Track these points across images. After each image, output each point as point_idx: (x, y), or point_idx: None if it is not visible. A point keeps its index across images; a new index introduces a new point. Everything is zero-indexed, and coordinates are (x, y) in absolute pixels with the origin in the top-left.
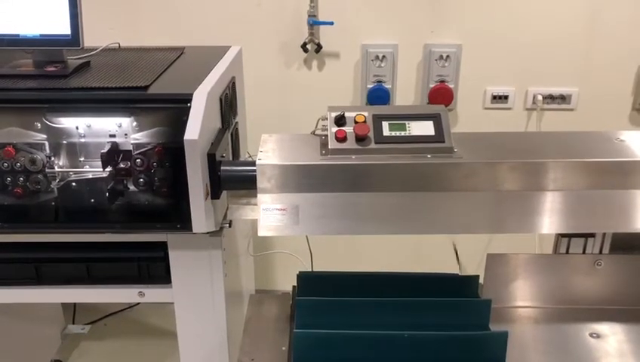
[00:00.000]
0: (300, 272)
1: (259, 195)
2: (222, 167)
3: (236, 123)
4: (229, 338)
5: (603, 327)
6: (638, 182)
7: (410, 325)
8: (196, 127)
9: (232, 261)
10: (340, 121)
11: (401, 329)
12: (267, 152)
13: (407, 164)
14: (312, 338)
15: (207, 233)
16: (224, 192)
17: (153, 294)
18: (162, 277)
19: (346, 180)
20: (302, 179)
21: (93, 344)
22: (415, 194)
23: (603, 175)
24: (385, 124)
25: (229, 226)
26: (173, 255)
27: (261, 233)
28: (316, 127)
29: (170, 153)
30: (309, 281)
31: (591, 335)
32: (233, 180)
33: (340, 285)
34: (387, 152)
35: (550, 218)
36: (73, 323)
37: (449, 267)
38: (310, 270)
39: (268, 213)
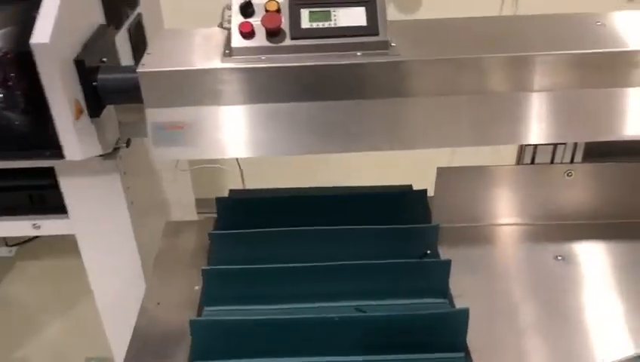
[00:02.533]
0: (217, 198)
1: (147, 110)
2: (99, 76)
3: (138, 15)
4: (147, 271)
5: (570, 248)
6: (625, 77)
7: (342, 256)
8: (47, 27)
9: (146, 183)
10: (247, 10)
11: (329, 260)
12: (155, 55)
13: (331, 66)
14: (223, 275)
15: (102, 156)
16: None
17: (50, 226)
18: (58, 207)
19: (253, 89)
20: (197, 88)
21: (25, 264)
22: (341, 103)
23: (578, 70)
24: (304, 13)
25: (127, 146)
26: (64, 182)
27: (154, 156)
28: (222, 18)
29: (22, 61)
30: (229, 206)
31: (556, 258)
32: (115, 92)
33: (266, 208)
34: (306, 50)
35: (516, 127)
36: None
37: None
38: (242, 188)
39: (160, 132)
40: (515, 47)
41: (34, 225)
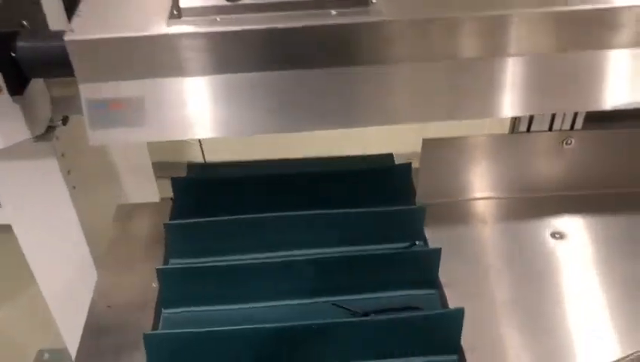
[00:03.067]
0: (172, 178)
1: (80, 86)
2: (18, 45)
3: None
4: (98, 258)
5: (568, 223)
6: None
7: (316, 243)
8: None
9: (93, 160)
10: None
11: (302, 249)
12: (86, 17)
13: (300, 28)
14: (181, 273)
15: (34, 138)
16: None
17: None
18: None
19: (208, 58)
20: (139, 59)
21: None
22: (312, 72)
23: (577, 29)
24: None
25: (64, 124)
26: None
27: (92, 141)
28: None
29: None
30: (186, 187)
31: (553, 235)
32: (40, 64)
33: (229, 189)
34: (270, 9)
35: (511, 95)
36: None
37: None
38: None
39: (97, 111)
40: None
41: None
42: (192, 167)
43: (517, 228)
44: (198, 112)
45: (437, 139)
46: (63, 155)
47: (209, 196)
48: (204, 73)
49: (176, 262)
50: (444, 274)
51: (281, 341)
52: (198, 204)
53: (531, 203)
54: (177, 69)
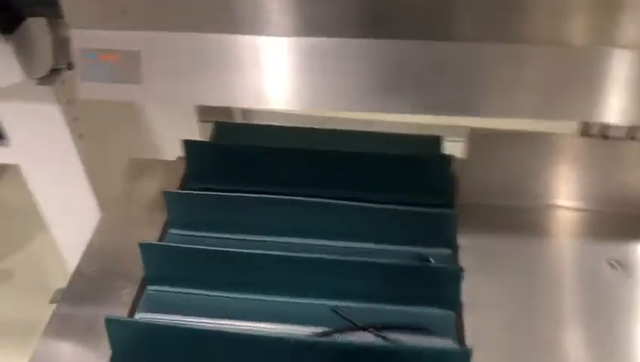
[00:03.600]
0: (185, 141)
1: (72, 31)
2: None
3: None
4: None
5: (632, 250)
6: None
7: (329, 234)
8: None
9: (107, 107)
10: None
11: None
12: None
13: None
14: (166, 252)
15: (36, 80)
16: None
17: None
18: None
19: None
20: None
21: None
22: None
23: None
24: None
25: (68, 68)
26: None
27: (83, 94)
28: None
29: None
30: (200, 150)
31: (610, 263)
32: (30, 2)
33: (246, 157)
34: None
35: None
36: None
37: None
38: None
39: (88, 61)
40: None
41: None
42: (220, 126)
43: (568, 244)
44: (193, 72)
45: (487, 131)
46: (69, 101)
47: (224, 162)
48: (212, 29)
49: (175, 233)
50: (469, 291)
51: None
52: (212, 171)
53: (591, 218)
54: (182, 21)
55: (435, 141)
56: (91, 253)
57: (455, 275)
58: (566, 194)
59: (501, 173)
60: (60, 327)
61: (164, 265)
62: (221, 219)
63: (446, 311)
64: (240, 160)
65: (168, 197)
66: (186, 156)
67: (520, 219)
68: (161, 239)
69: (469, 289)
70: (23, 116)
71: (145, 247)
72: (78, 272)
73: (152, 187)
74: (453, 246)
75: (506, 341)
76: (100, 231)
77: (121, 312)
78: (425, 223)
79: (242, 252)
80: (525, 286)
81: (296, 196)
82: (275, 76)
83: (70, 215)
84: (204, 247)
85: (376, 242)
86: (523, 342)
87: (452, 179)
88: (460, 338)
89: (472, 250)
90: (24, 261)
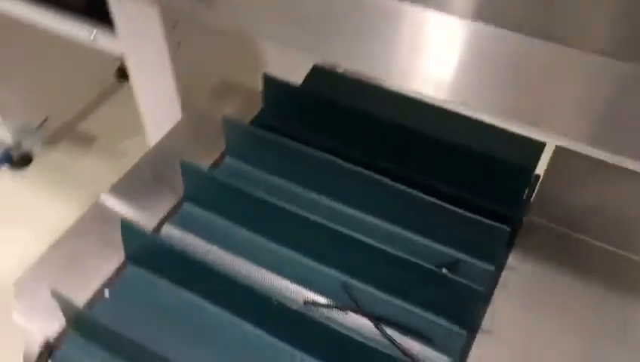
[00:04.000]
0: (265, 75)
1: None
2: None
3: None
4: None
5: None
6: None
7: (369, 208)
8: None
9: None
10: None
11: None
12: None
13: None
14: (203, 178)
15: None
16: None
17: (103, 40)
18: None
19: None
20: None
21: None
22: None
23: None
24: None
25: None
26: None
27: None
28: None
29: None
30: (276, 92)
31: None
32: None
33: (319, 110)
34: None
35: None
36: None
37: None
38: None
39: None
40: None
41: (92, 34)
42: (316, 70)
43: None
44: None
45: (576, 153)
46: (169, 8)
47: (299, 108)
48: None
49: (230, 161)
50: (495, 314)
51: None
52: (285, 112)
53: None
54: None
55: (537, 147)
56: (152, 157)
57: (478, 295)
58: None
59: (580, 200)
60: (95, 216)
61: (201, 190)
62: (276, 162)
63: (458, 329)
64: (316, 109)
65: (227, 125)
66: (264, 91)
67: (585, 255)
68: (216, 163)
69: (496, 312)
70: (131, 13)
71: (185, 166)
72: (134, 172)
73: (228, 110)
74: (498, 263)
75: None
76: (168, 137)
77: (152, 219)
78: (472, 231)
79: (278, 205)
80: (557, 325)
81: (355, 160)
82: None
83: (158, 114)
84: (239, 187)
85: (417, 233)
86: None
87: (526, 193)
88: (461, 359)
89: (519, 272)
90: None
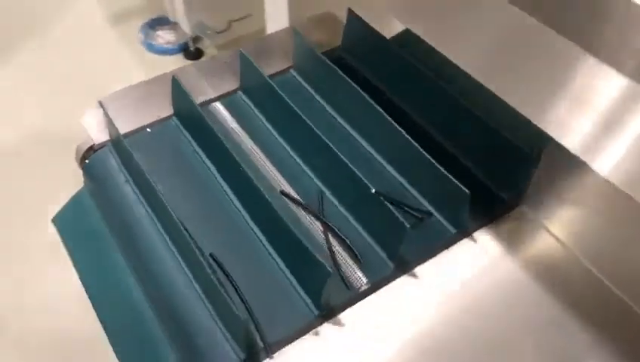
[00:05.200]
0: (349, 9)
1: None
2: None
3: None
4: None
5: None
6: None
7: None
8: None
9: None
10: None
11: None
12: None
13: None
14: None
15: None
16: None
17: None
18: None
19: None
20: None
21: None
22: None
23: None
24: None
25: None
26: None
27: None
28: None
29: None
30: (356, 25)
31: None
32: None
33: (383, 53)
34: None
35: None
36: None
37: None
38: None
39: None
40: None
41: None
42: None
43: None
44: None
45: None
46: None
47: (369, 48)
48: None
49: (293, 73)
50: (423, 266)
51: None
52: (356, 48)
53: None
54: None
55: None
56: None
57: (403, 230)
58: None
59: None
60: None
61: (253, 85)
62: (324, 85)
63: (387, 258)
64: (378, 52)
65: (298, 40)
66: (345, 24)
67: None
68: (279, 73)
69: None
70: None
71: (243, 58)
72: (220, 56)
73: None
74: (461, 227)
75: None
76: (260, 41)
77: (211, 93)
78: (444, 187)
79: (301, 115)
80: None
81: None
82: None
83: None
84: (281, 93)
85: (404, 177)
86: None
87: (525, 178)
88: (378, 286)
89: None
90: None
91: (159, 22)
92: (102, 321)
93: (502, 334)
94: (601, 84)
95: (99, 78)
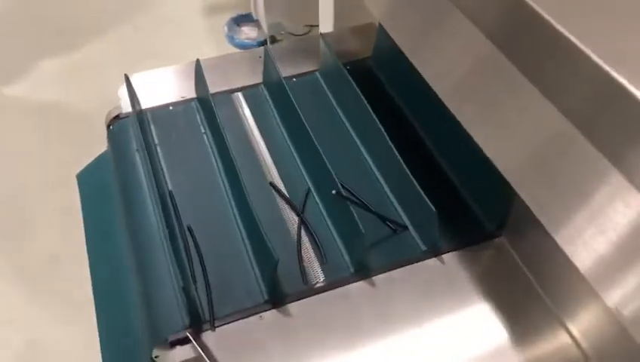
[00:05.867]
0: (380, 24)
1: None
2: None
3: None
4: None
5: None
6: None
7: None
8: None
9: None
10: None
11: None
12: None
13: None
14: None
15: None
16: None
17: None
18: None
19: None
20: None
21: None
22: None
23: None
24: None
25: None
26: None
27: None
28: None
29: None
30: (384, 38)
31: None
32: None
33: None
34: None
35: None
36: None
37: None
38: None
39: None
40: None
41: None
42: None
43: None
44: None
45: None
46: None
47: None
48: None
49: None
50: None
51: None
52: (381, 57)
53: None
54: None
55: None
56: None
57: (362, 238)
58: None
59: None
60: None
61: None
62: (343, 97)
63: (349, 262)
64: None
65: (322, 44)
66: (377, 36)
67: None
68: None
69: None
70: None
71: (267, 54)
72: (255, 51)
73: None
74: (429, 244)
75: None
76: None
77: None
78: (419, 204)
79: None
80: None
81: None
82: None
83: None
84: (291, 99)
85: (392, 190)
86: None
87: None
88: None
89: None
90: None
91: (245, 18)
92: (91, 268)
93: None
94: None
95: (180, 61)
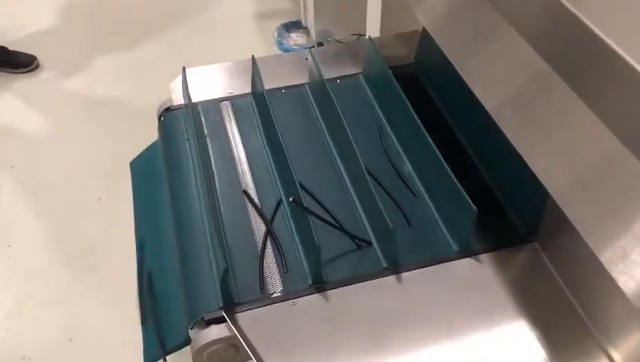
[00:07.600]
0: (422, 34)
1: None
2: None
3: None
4: None
5: None
6: None
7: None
8: None
9: None
10: None
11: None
12: None
13: None
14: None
15: None
16: None
17: None
18: None
19: None
20: None
21: None
22: None
23: None
24: None
25: None
26: None
27: None
28: None
29: None
30: (428, 46)
31: None
32: None
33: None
34: None
35: None
36: None
37: None
38: None
39: None
40: None
41: None
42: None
43: None
44: None
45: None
46: None
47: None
48: None
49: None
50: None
51: None
52: (424, 64)
53: None
54: None
55: None
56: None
57: (391, 233)
58: None
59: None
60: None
61: None
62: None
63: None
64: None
65: (367, 47)
66: (418, 45)
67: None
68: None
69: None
70: None
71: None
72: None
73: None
74: (462, 245)
75: None
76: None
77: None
78: (457, 199)
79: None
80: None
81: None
82: None
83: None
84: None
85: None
86: None
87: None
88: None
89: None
90: None
91: (294, 25)
92: (137, 247)
93: None
94: None
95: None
